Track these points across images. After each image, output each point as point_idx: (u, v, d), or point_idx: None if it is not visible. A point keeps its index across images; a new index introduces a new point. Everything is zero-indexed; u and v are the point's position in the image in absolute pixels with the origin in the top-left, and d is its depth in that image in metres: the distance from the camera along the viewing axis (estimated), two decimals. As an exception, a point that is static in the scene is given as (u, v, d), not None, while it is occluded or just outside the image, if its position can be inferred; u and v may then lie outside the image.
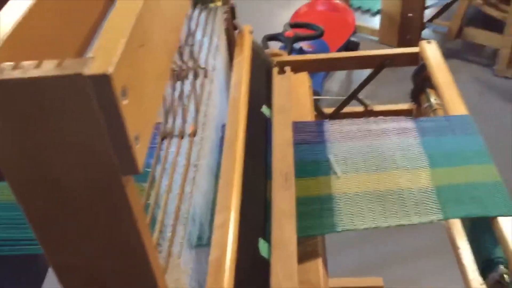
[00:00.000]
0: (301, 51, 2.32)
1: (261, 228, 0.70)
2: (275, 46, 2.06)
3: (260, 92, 0.95)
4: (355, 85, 1.15)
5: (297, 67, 1.09)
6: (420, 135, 0.81)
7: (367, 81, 1.13)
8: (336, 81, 2.54)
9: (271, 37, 2.09)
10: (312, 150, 0.81)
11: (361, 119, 0.86)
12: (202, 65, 0.77)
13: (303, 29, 2.16)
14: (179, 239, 0.59)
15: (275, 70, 1.01)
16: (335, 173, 0.77)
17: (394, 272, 1.56)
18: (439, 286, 1.48)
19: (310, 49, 2.33)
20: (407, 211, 0.69)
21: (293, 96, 0.98)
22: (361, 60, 1.10)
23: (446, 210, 0.68)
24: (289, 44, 2.09)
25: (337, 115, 1.16)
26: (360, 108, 1.18)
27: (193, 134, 0.65)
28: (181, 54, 0.71)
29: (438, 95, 0.98)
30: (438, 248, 0.89)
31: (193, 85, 0.71)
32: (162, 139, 0.65)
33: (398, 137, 0.81)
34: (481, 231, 0.70)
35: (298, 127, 0.86)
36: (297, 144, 0.83)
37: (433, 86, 1.02)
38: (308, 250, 0.70)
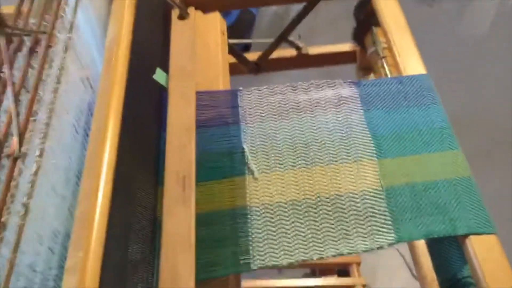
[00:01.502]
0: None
1: (146, 268, 0.50)
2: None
3: (152, 49, 0.70)
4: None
5: (207, 4, 0.83)
6: (365, 107, 0.60)
7: (299, 19, 0.89)
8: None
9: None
10: (220, 136, 0.60)
11: (287, 85, 0.64)
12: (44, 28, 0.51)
13: None
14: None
15: (175, 13, 0.75)
16: (251, 172, 0.56)
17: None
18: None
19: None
20: (347, 231, 0.50)
21: (199, 51, 0.74)
22: (289, -8, 0.85)
23: (400, 228, 0.50)
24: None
25: (265, 62, 0.93)
26: (292, 52, 0.95)
27: (15, 154, 0.41)
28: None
29: (387, 38, 0.76)
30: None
31: (26, 65, 0.46)
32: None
33: (336, 111, 0.60)
34: (445, 244, 0.53)
35: (202, 100, 0.64)
36: (200, 127, 0.61)
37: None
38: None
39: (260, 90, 0.64)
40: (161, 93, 0.65)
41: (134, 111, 0.59)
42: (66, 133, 0.49)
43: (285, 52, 0.95)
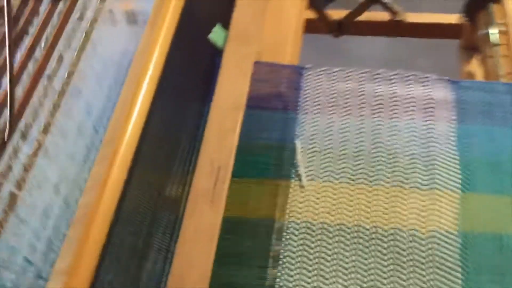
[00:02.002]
0: None
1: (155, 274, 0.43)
2: None
3: (212, 3, 0.59)
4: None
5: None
6: (459, 118, 0.47)
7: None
8: None
9: None
10: (271, 123, 0.50)
11: (366, 71, 0.52)
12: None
13: None
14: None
15: (249, -42, 0.63)
16: (298, 176, 0.46)
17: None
18: None
19: None
20: (401, 280, 0.40)
21: (270, 7, 0.62)
22: None
23: (470, 291, 0.39)
24: None
25: (350, 24, 0.80)
26: (385, 16, 0.80)
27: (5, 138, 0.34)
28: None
29: (507, 22, 0.61)
30: None
31: (48, 14, 0.38)
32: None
33: (421, 117, 0.48)
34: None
35: (259, 73, 0.53)
36: (251, 107, 0.51)
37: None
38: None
39: (331, 72, 0.52)
40: (215, 58, 0.55)
41: (175, 78, 0.50)
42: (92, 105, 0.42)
43: (376, 15, 0.80)
